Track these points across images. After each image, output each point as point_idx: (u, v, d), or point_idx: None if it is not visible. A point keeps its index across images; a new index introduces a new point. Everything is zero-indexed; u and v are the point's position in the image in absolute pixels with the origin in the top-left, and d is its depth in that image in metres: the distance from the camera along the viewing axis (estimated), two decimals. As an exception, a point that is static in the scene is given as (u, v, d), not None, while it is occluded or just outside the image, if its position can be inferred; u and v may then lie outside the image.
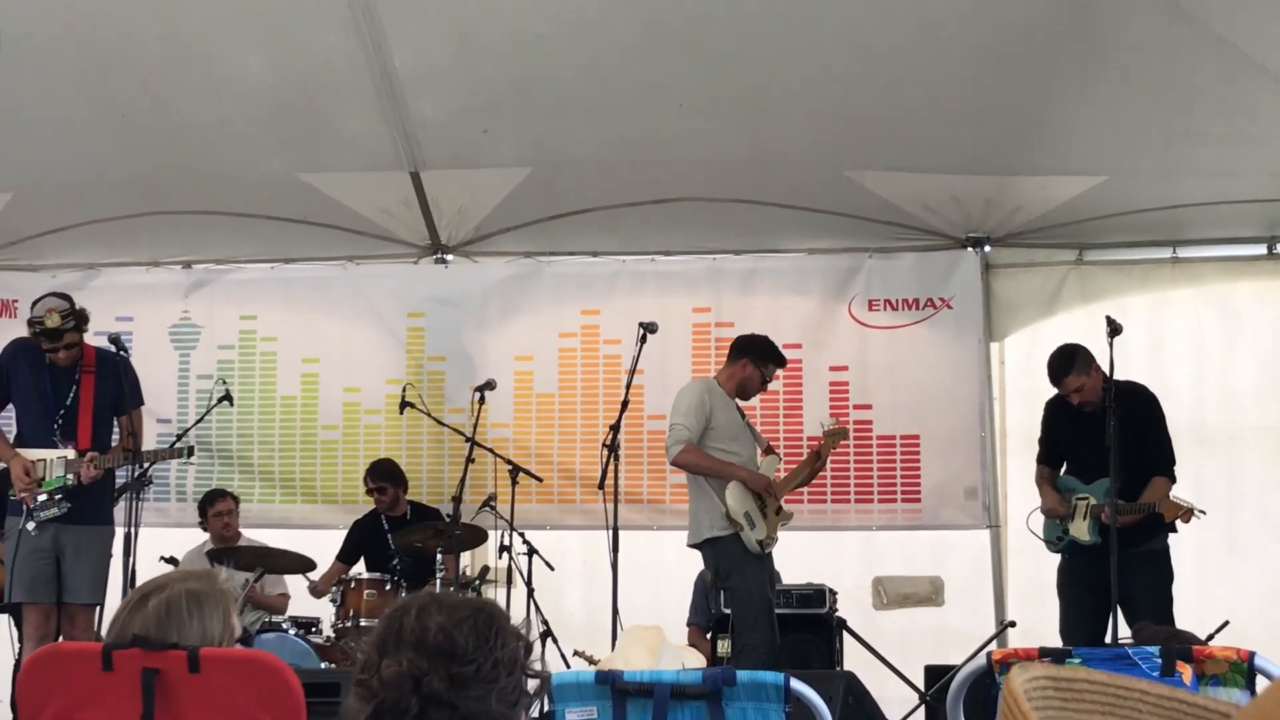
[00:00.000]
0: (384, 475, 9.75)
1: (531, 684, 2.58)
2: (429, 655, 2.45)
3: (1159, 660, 3.55)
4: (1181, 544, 8.31)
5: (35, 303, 7.99)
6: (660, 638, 4.49)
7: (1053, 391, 8.51)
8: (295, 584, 9.86)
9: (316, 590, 9.52)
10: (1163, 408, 8.36)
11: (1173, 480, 8.16)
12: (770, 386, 8.80)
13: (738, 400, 8.41)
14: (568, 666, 8.54)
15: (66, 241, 10.11)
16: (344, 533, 9.91)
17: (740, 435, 8.30)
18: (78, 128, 8.73)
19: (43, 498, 7.74)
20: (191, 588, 3.48)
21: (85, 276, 10.34)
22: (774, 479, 8.40)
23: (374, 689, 2.45)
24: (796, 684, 3.53)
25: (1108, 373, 7.80)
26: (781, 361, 8.58)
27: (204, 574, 3.70)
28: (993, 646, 8.11)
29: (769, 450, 8.66)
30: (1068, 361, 8.24)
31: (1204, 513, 8.06)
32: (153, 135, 8.80)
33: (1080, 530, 8.19)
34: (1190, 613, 8.10)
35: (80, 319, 7.92)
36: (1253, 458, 9.51)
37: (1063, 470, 8.51)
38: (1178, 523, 8.06)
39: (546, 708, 4.05)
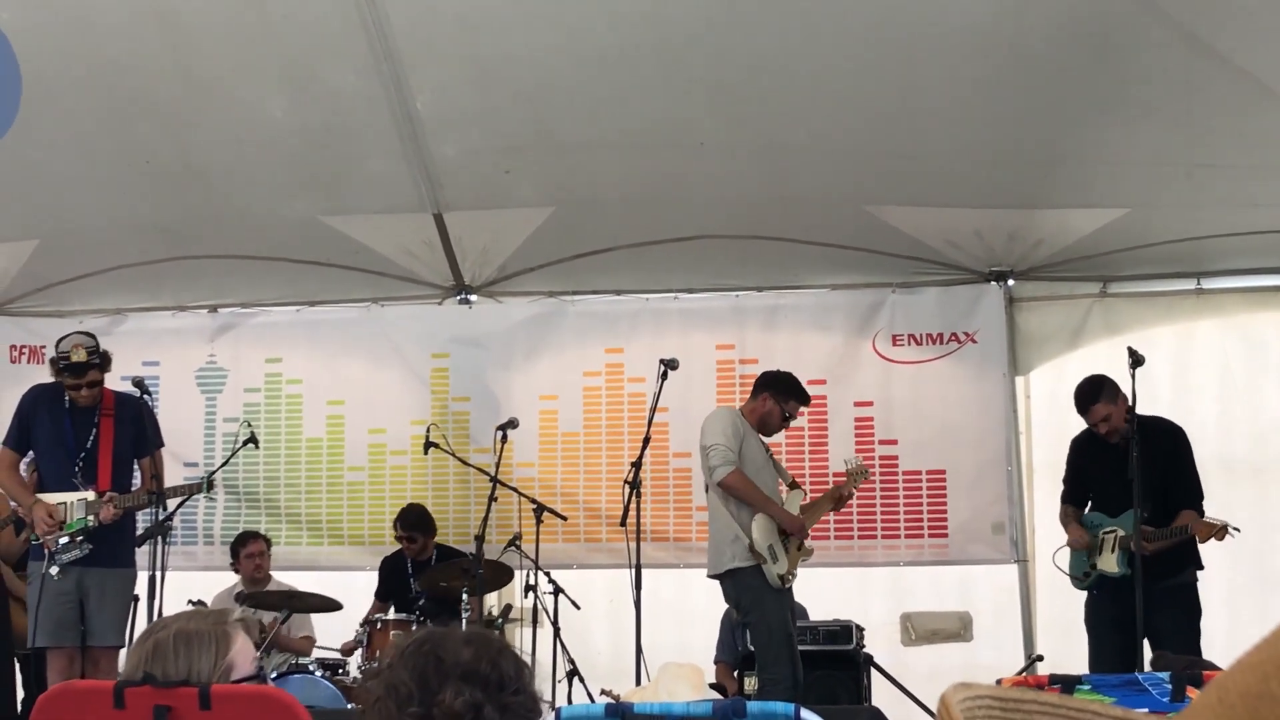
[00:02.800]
0: (412, 525, 9.74)
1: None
2: (482, 686, 2.56)
3: (1169, 686, 3.53)
4: (1211, 577, 8.27)
5: (60, 340, 8.04)
6: (701, 676, 4.48)
7: (1078, 429, 8.50)
8: (321, 626, 9.86)
9: (348, 650, 9.47)
10: (1190, 442, 8.33)
11: (1201, 515, 8.12)
12: (795, 423, 8.78)
13: (760, 435, 8.41)
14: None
15: (93, 287, 10.19)
16: (370, 574, 9.93)
17: (764, 469, 8.29)
18: (103, 174, 8.81)
19: (64, 540, 7.78)
20: (184, 628, 3.48)
21: (112, 322, 10.40)
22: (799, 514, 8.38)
23: (434, 719, 2.53)
24: (807, 714, 3.51)
25: (1130, 404, 7.77)
26: (804, 399, 8.55)
27: (207, 614, 3.71)
28: (1020, 681, 8.05)
29: (794, 485, 8.64)
30: (1095, 390, 8.23)
31: (1238, 530, 8.00)
32: (177, 180, 8.87)
33: (1109, 563, 8.15)
34: (1220, 647, 8.03)
35: (104, 360, 7.97)
36: (1280, 489, 9.45)
37: (1088, 508, 8.48)
38: (1206, 548, 8.02)
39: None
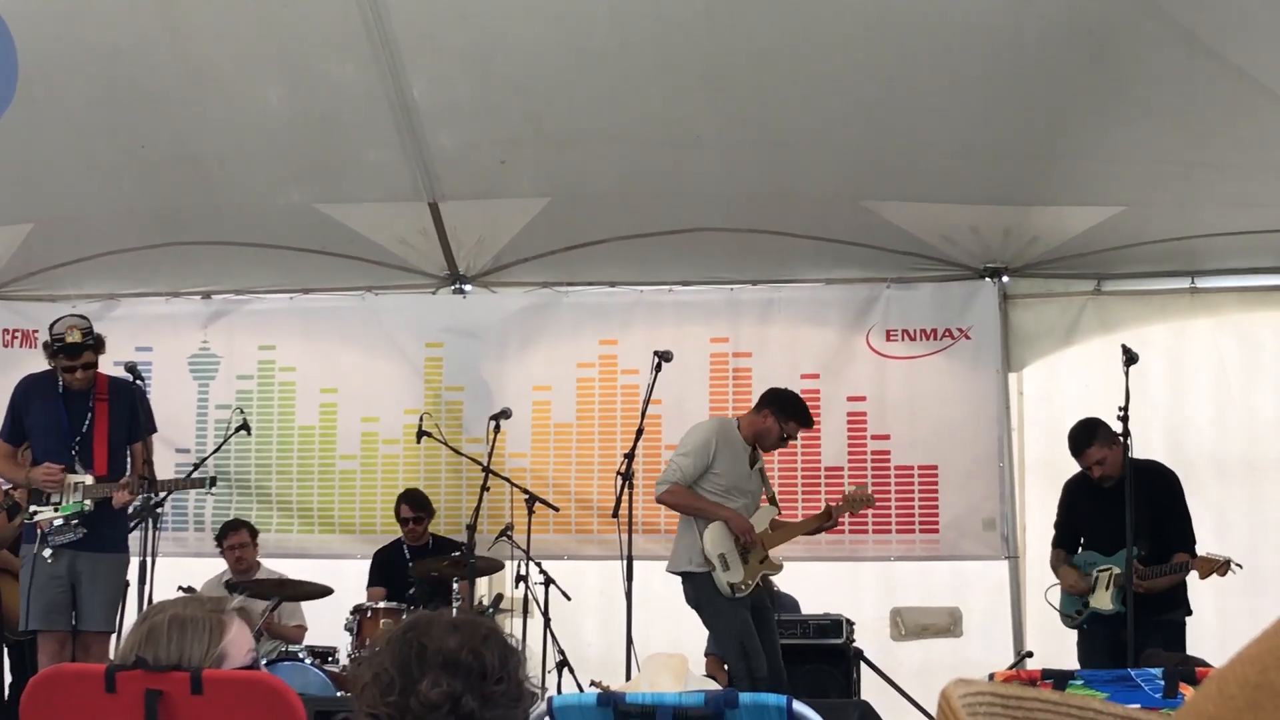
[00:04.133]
0: (422, 504, 9.76)
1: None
2: (463, 675, 2.52)
3: (1162, 683, 3.53)
4: (1195, 588, 8.26)
5: (54, 323, 8.04)
6: (685, 665, 4.48)
7: (1070, 424, 8.48)
8: (312, 614, 9.85)
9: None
10: (1182, 486, 8.35)
11: (1194, 557, 8.14)
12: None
13: (754, 447, 8.42)
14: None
15: (86, 272, 10.17)
16: (362, 562, 9.92)
17: (738, 487, 8.29)
18: (98, 160, 8.80)
19: (59, 523, 7.77)
20: (179, 613, 3.48)
21: (105, 307, 10.37)
22: (768, 529, 8.37)
23: (412, 708, 2.50)
24: (799, 706, 3.52)
25: (1122, 403, 7.74)
26: (806, 422, 8.54)
27: (204, 601, 3.71)
28: (1010, 678, 8.06)
29: (772, 500, 8.64)
30: (1090, 434, 8.21)
31: (1240, 566, 8.01)
32: (172, 167, 8.86)
33: (1103, 600, 8.16)
34: (1211, 645, 8.05)
35: (99, 342, 7.98)
36: (1274, 489, 9.43)
37: (1079, 549, 8.50)
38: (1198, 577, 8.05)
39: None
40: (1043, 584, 8.97)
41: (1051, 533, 8.68)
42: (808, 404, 8.79)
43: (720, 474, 8.21)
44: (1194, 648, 7.94)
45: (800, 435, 8.69)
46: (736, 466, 8.28)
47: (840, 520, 8.80)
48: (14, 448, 8.20)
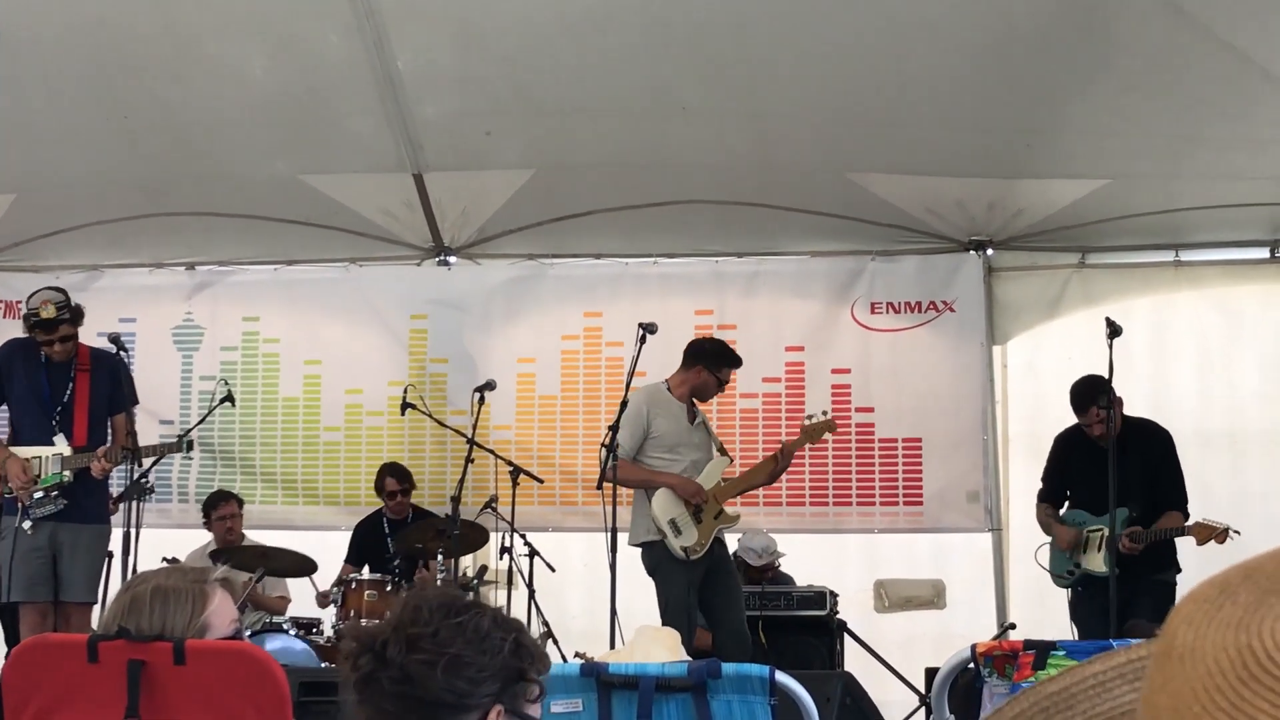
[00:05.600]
0: (406, 476, 9.77)
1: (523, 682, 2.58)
2: (394, 625, 2.51)
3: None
4: (1183, 546, 8.29)
5: (30, 296, 8.02)
6: (678, 640, 4.50)
7: (1055, 399, 8.53)
8: (296, 586, 9.84)
9: (325, 599, 9.43)
10: (1175, 445, 8.36)
11: (1186, 516, 8.17)
12: (772, 389, 8.82)
13: (695, 401, 8.49)
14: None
15: (70, 243, 10.13)
16: (346, 534, 9.91)
17: (683, 442, 8.36)
18: (81, 129, 8.75)
19: (39, 495, 7.76)
20: (161, 583, 3.47)
21: (89, 278, 10.34)
22: (720, 482, 8.39)
23: (346, 655, 2.53)
24: (781, 676, 3.53)
25: (1107, 374, 7.76)
26: (736, 362, 8.60)
27: (187, 571, 3.69)
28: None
29: (722, 451, 8.66)
30: (1094, 391, 8.12)
31: (1239, 533, 8.03)
32: (156, 137, 8.83)
33: (1095, 562, 8.17)
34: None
35: (75, 314, 7.94)
36: (1256, 461, 9.48)
37: (1065, 507, 8.51)
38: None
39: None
40: (1027, 556, 8.99)
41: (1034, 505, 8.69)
42: (790, 375, 8.80)
43: (660, 435, 8.30)
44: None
45: (732, 376, 8.70)
46: (675, 425, 8.36)
47: (800, 452, 8.80)
48: None
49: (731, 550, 8.77)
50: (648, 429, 8.28)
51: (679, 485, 8.20)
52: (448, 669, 2.47)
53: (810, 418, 8.86)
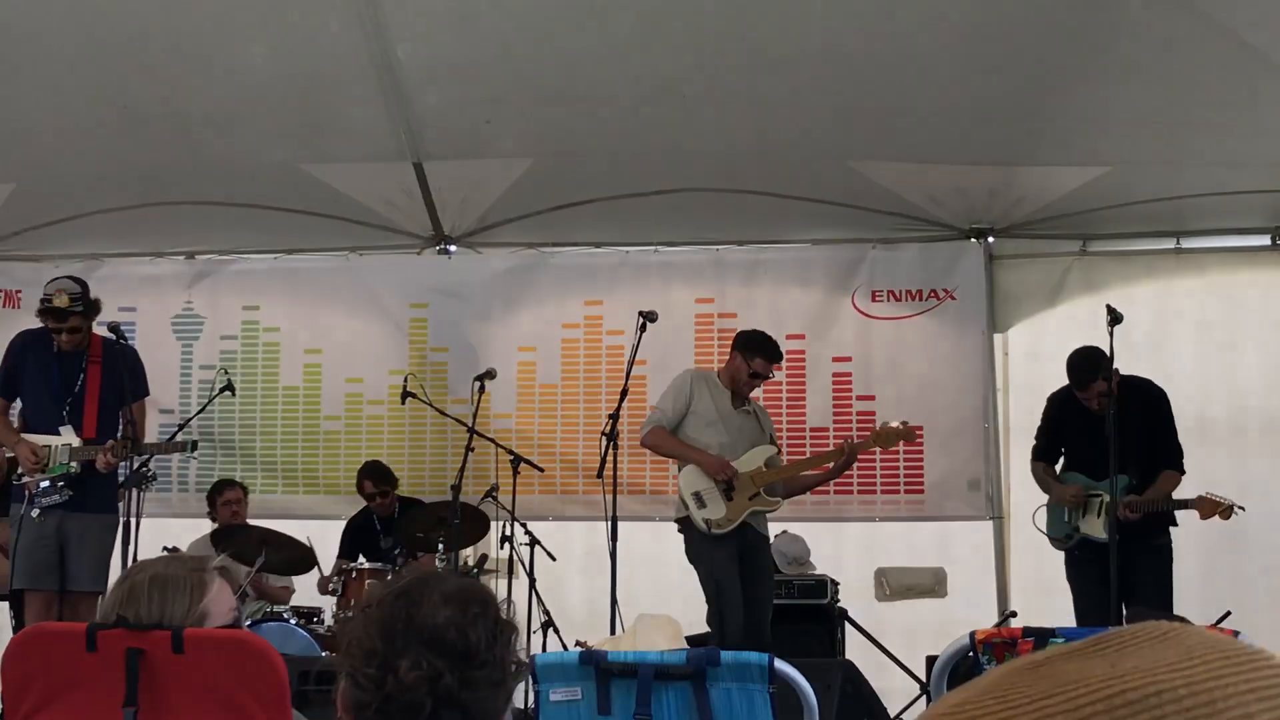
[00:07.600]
0: (385, 477, 9.74)
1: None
2: (446, 655, 2.42)
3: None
4: (1184, 536, 8.31)
5: (48, 283, 8.04)
6: (679, 628, 4.50)
7: (1056, 386, 8.48)
8: (299, 576, 9.83)
9: (326, 584, 9.41)
10: (1170, 403, 8.36)
11: (1182, 473, 8.19)
12: (775, 376, 8.81)
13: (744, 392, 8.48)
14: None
15: (70, 232, 10.11)
16: (345, 523, 9.91)
17: (719, 423, 8.35)
18: (81, 119, 8.74)
19: (45, 484, 7.78)
20: (160, 572, 3.46)
21: (88, 267, 10.30)
22: (761, 466, 8.36)
23: (387, 686, 2.40)
24: (780, 664, 3.52)
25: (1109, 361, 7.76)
26: (770, 356, 8.50)
27: (186, 559, 3.69)
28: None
29: (771, 440, 8.65)
30: (1096, 365, 8.03)
31: (1243, 509, 8.02)
32: (156, 126, 8.81)
33: (1094, 528, 8.15)
34: (1193, 604, 8.08)
35: (90, 307, 7.95)
36: (1257, 449, 9.47)
37: (1060, 465, 8.50)
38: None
39: (531, 689, 4.04)
40: (1028, 544, 9.01)
41: (1038, 496, 8.67)
42: (791, 363, 8.78)
43: (700, 411, 8.33)
44: (1178, 605, 7.97)
45: (773, 371, 8.66)
46: (718, 403, 8.38)
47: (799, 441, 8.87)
48: (6, 402, 8.19)
49: None
50: (690, 402, 8.32)
51: (705, 462, 8.21)
52: (504, 699, 2.53)
53: (886, 423, 8.83)
